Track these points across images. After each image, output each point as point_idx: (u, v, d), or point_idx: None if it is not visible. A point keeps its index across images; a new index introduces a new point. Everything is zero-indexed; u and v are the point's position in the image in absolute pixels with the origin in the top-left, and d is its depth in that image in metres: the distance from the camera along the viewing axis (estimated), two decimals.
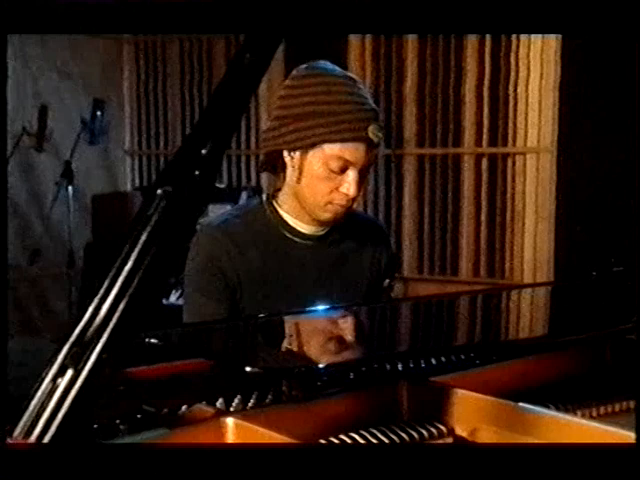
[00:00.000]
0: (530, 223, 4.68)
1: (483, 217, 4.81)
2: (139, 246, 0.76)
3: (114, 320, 0.75)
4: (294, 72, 1.87)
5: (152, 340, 1.32)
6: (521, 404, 1.11)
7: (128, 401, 1.05)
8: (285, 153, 1.84)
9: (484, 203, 4.80)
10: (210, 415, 1.07)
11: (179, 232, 0.80)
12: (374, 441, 1.10)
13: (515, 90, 4.65)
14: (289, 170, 1.87)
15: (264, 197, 1.96)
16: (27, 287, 5.11)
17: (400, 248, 5.00)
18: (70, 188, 4.74)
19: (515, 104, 4.66)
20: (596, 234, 4.26)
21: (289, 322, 1.68)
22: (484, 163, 4.78)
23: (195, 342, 1.48)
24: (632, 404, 1.31)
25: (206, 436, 1.02)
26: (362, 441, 1.10)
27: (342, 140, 1.76)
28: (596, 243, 4.20)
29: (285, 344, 1.60)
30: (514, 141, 4.69)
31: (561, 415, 1.11)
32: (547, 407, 1.20)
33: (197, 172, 0.78)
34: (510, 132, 4.69)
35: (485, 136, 4.76)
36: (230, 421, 1.04)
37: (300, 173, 1.83)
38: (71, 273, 4.88)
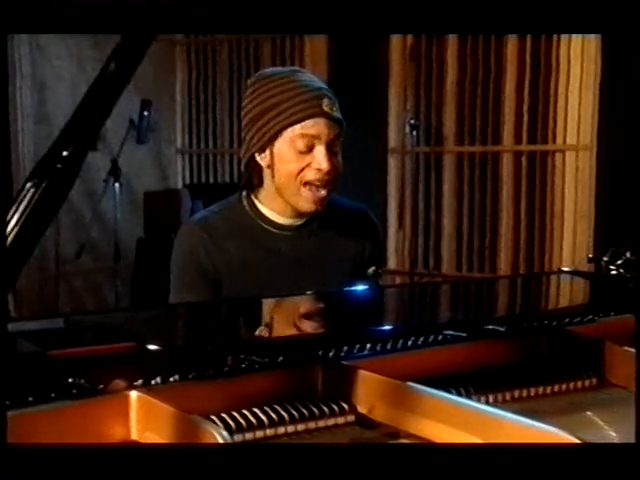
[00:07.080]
0: (569, 221, 4.67)
1: (522, 215, 4.82)
2: (9, 227, 0.88)
3: None
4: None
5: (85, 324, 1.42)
6: (409, 384, 1.18)
7: (50, 376, 1.14)
8: (257, 156, 1.95)
9: (523, 201, 4.81)
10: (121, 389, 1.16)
11: (44, 214, 0.92)
12: (273, 416, 1.18)
13: (555, 88, 4.65)
14: (265, 171, 1.97)
15: (243, 193, 2.04)
16: (80, 279, 5.33)
17: (439, 245, 5.05)
18: (117, 185, 4.91)
19: (555, 102, 4.66)
20: (635, 232, 4.23)
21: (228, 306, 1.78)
22: (523, 161, 4.80)
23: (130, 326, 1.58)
24: (549, 389, 1.37)
25: (107, 408, 1.10)
26: (262, 415, 1.18)
27: (300, 120, 1.87)
28: (635, 241, 4.16)
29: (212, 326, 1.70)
30: (554, 139, 4.69)
31: (447, 395, 1.17)
32: (459, 392, 1.28)
33: (59, 167, 0.90)
34: (550, 130, 4.70)
35: (524, 134, 4.78)
36: (133, 394, 1.13)
37: (273, 168, 1.93)
38: (117, 267, 5.07)
